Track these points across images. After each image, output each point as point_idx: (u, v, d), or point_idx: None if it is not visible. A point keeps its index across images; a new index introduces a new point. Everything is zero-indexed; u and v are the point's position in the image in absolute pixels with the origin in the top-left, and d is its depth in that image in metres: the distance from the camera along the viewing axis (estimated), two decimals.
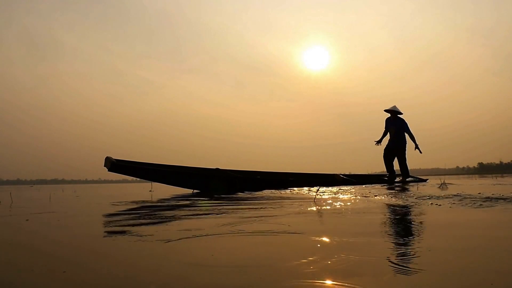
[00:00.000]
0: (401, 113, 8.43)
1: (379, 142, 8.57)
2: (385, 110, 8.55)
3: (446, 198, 2.87)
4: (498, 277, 0.84)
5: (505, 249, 1.14)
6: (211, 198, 3.86)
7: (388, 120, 8.51)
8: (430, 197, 2.98)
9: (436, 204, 2.48)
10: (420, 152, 8.20)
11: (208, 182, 5.90)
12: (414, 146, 8.23)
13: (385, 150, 8.45)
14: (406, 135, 8.31)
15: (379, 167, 8.84)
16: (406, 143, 8.33)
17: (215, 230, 1.58)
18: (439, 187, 4.87)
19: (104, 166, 4.93)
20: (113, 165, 4.89)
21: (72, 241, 1.48)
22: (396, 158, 8.37)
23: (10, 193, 5.92)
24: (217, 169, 6.16)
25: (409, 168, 8.39)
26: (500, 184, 5.48)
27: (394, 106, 8.50)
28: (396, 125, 8.31)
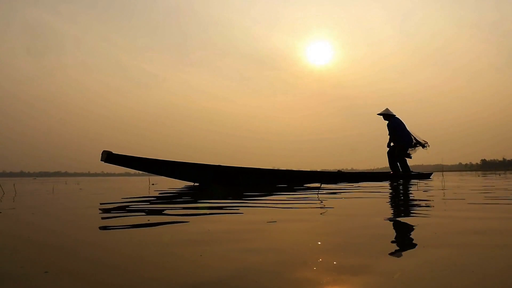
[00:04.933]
0: (392, 115, 8.90)
1: (388, 146, 9.02)
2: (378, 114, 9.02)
3: None
4: None
5: None
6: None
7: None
8: None
9: None
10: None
11: (208, 175, 6.02)
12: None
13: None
14: (396, 136, 8.79)
15: (383, 163, 9.13)
16: (397, 143, 8.79)
17: None
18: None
19: (101, 160, 5.33)
20: (109, 156, 5.30)
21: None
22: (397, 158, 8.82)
23: (14, 184, 5.96)
24: (219, 166, 6.16)
25: (409, 164, 8.76)
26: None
27: (387, 109, 8.96)
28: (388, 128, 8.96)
